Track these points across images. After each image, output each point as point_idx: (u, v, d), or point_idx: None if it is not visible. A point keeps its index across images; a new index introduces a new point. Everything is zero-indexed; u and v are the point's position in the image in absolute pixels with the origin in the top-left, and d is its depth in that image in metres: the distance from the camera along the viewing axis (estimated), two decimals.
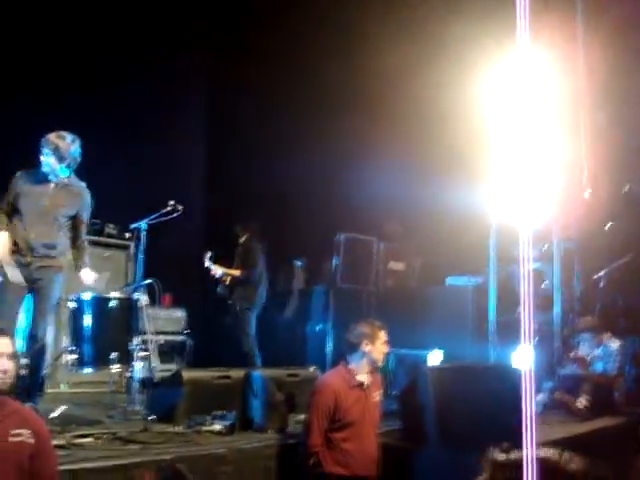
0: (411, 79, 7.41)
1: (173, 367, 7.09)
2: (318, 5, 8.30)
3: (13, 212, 4.98)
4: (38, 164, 5.03)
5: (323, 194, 8.59)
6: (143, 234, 5.69)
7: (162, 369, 6.50)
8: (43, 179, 5.00)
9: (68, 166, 4.99)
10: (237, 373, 5.39)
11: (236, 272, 7.53)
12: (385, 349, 4.53)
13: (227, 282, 7.53)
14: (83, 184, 5.18)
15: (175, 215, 5.69)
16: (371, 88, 8.17)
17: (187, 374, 5.31)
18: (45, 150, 4.93)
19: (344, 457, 4.32)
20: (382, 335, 4.51)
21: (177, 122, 9.41)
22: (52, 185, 5.01)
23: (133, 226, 5.82)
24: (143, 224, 5.71)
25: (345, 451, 4.32)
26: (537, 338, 6.59)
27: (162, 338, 7.17)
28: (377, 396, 4.58)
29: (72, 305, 5.09)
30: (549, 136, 6.49)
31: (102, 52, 8.39)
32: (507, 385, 4.25)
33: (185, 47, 9.48)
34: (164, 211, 5.67)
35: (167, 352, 7.30)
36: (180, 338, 7.72)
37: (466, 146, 6.85)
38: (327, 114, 8.42)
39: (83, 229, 5.24)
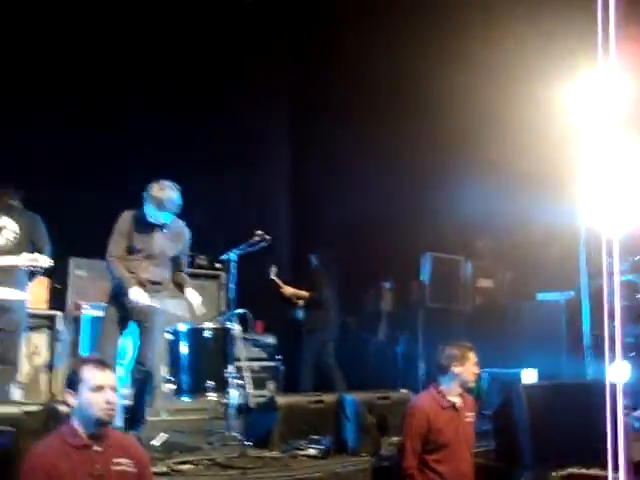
0: (495, 95, 7.38)
1: (267, 393, 7.23)
2: (404, 24, 8.36)
3: (127, 249, 5.27)
4: (139, 204, 5.30)
5: (409, 214, 8.60)
6: (233, 264, 5.87)
7: (256, 395, 6.62)
8: (148, 224, 5.25)
9: (170, 213, 5.23)
10: (330, 397, 5.47)
11: (304, 293, 7.67)
12: (475, 370, 4.53)
13: (297, 304, 7.69)
14: (183, 223, 5.44)
15: (264, 244, 5.84)
16: (454, 105, 8.17)
17: (281, 399, 5.42)
18: (148, 203, 5.17)
19: (439, 479, 4.33)
20: (472, 356, 4.51)
21: (262, 152, 9.64)
22: (157, 230, 5.26)
23: (223, 257, 6.00)
24: (233, 254, 5.88)
25: (439, 473, 4.33)
26: (633, 352, 6.43)
27: (255, 365, 7.32)
28: (470, 417, 4.58)
29: (169, 336, 5.29)
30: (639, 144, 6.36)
31: (185, 86, 8.71)
32: (603, 402, 4.18)
33: (268, 77, 9.73)
34: (253, 241, 5.82)
35: (260, 378, 7.43)
36: (272, 364, 7.85)
37: (554, 158, 6.77)
38: (411, 132, 8.43)
39: (185, 263, 5.57)
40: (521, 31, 7.40)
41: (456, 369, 4.46)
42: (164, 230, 5.31)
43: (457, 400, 4.50)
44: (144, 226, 5.27)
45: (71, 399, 3.16)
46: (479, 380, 5.64)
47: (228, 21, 9.30)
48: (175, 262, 5.45)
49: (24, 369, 6.49)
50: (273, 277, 7.56)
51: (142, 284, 5.16)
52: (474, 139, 8.05)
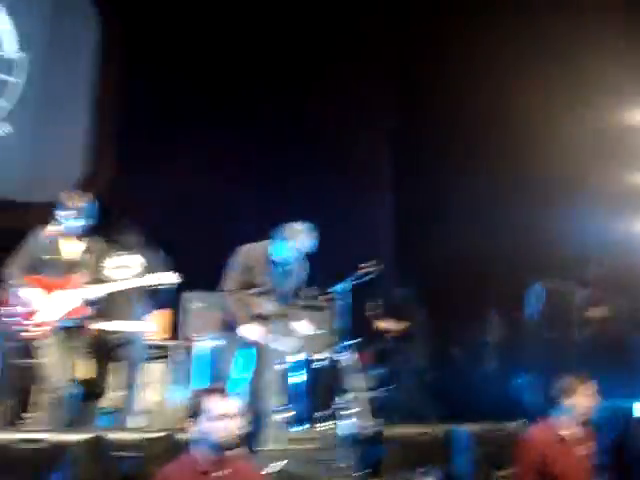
0: (603, 124, 7.29)
1: (377, 423, 7.24)
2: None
3: (244, 284, 5.44)
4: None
5: (517, 243, 8.52)
6: (343, 296, 5.96)
7: (367, 425, 6.64)
8: (270, 259, 5.45)
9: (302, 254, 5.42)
10: (440, 428, 5.46)
11: (399, 326, 7.69)
12: (591, 402, 4.44)
13: (391, 335, 7.74)
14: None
15: (372, 276, 5.92)
16: (561, 135, 8.09)
17: (391, 430, 5.45)
18: (284, 241, 5.41)
19: None
20: (587, 388, 4.43)
21: (366, 185, 9.76)
22: (278, 266, 5.44)
23: (333, 289, 6.10)
24: (342, 286, 5.97)
25: None
26: None
27: (365, 395, 7.35)
28: (586, 449, 4.49)
29: (282, 367, 5.42)
30: None
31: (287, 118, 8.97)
32: None
33: (372, 109, 9.87)
34: (364, 272, 5.91)
35: (370, 409, 7.45)
36: (381, 395, 7.87)
37: None
38: (518, 163, 8.38)
39: (301, 294, 5.81)
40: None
41: (569, 401, 4.40)
42: (283, 266, 5.47)
43: (571, 432, 4.43)
44: (265, 261, 5.43)
45: (194, 427, 3.32)
46: (595, 412, 5.49)
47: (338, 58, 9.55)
48: (292, 294, 5.62)
49: (142, 398, 6.77)
50: (369, 312, 7.69)
51: (258, 319, 5.33)
52: (583, 168, 7.93)
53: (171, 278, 5.51)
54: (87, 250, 5.51)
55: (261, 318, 5.41)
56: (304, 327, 5.56)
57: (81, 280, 5.39)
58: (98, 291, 5.38)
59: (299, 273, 5.65)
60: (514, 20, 8.21)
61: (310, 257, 5.81)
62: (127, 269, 5.82)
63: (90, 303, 5.40)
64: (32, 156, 8.59)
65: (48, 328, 5.25)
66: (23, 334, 5.22)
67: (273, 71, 9.10)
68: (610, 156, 7.60)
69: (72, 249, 5.50)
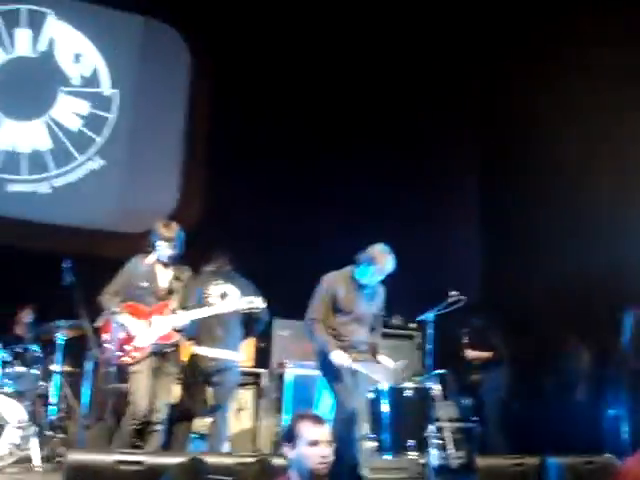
0: None
1: (465, 454, 7.18)
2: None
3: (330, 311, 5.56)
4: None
5: (607, 270, 8.33)
6: (430, 325, 5.99)
7: (456, 456, 6.61)
8: (354, 284, 5.51)
9: (383, 277, 5.49)
10: (531, 460, 5.37)
11: (486, 354, 7.68)
12: None
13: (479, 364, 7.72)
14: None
15: (459, 305, 5.93)
16: None
17: (481, 461, 5.39)
18: (368, 265, 5.48)
19: None
20: None
21: (451, 212, 9.77)
22: (360, 290, 5.51)
23: (420, 317, 6.14)
24: (430, 315, 6.00)
25: None
26: None
27: (454, 426, 7.30)
28: None
29: (371, 395, 5.46)
30: None
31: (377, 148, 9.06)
32: None
33: (459, 142, 9.90)
34: (449, 301, 5.93)
35: (459, 439, 7.39)
36: (469, 425, 7.80)
37: None
38: (603, 185, 8.24)
39: (380, 322, 5.79)
40: None
41: None
42: (366, 290, 5.53)
43: None
44: (349, 287, 5.51)
45: (289, 452, 3.39)
46: None
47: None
48: (373, 321, 5.67)
49: (232, 423, 6.90)
50: (461, 341, 7.67)
51: (347, 346, 5.39)
52: None
53: (260, 303, 5.65)
54: (177, 278, 5.71)
55: (355, 345, 5.48)
56: (385, 360, 5.59)
57: (172, 307, 5.58)
58: (188, 317, 5.56)
59: (377, 295, 5.69)
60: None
61: (396, 283, 5.83)
62: (226, 297, 5.99)
63: (180, 330, 5.58)
64: (126, 188, 8.93)
65: (145, 353, 5.45)
66: (122, 359, 5.42)
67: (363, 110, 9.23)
68: None
69: (165, 277, 5.70)
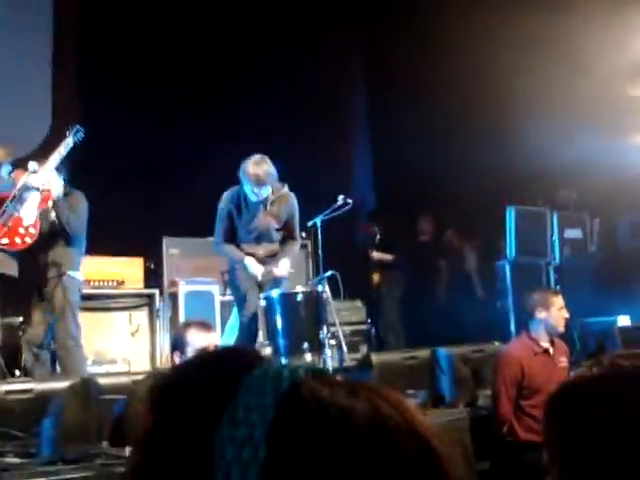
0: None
1: (360, 355, 7.38)
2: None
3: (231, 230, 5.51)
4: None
5: (488, 166, 8.49)
6: (319, 230, 6.02)
7: (351, 358, 6.79)
8: (251, 202, 5.40)
9: (269, 185, 5.35)
10: (423, 353, 5.57)
11: (387, 256, 8.03)
12: (563, 315, 4.55)
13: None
14: (285, 189, 5.59)
15: (345, 209, 5.97)
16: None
17: (376, 357, 5.54)
18: (246, 181, 5.27)
19: (536, 424, 4.38)
20: (557, 301, 4.54)
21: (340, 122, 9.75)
22: (261, 207, 5.43)
23: (309, 224, 6.14)
24: (317, 221, 6.02)
25: (535, 417, 4.39)
26: None
27: (347, 329, 7.46)
28: (564, 362, 4.61)
29: (263, 303, 5.47)
30: None
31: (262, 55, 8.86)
32: None
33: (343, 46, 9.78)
34: (335, 206, 5.96)
35: (353, 342, 7.57)
36: (363, 327, 7.99)
37: None
38: (491, 75, 8.30)
39: (293, 228, 5.68)
40: None
41: (541, 314, 4.50)
42: (268, 205, 5.46)
43: (548, 345, 4.54)
44: (247, 206, 5.41)
45: (178, 361, 3.37)
46: (571, 328, 5.62)
47: None
48: (284, 229, 5.61)
49: (127, 347, 6.84)
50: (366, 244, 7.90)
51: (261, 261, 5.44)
52: (557, 80, 7.89)
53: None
54: None
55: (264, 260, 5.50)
56: (282, 266, 5.56)
57: None
58: None
59: (284, 205, 5.55)
60: None
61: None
62: None
63: None
64: None
65: None
66: None
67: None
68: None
69: None
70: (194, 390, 0.79)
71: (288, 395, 0.76)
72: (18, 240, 5.19)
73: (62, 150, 5.26)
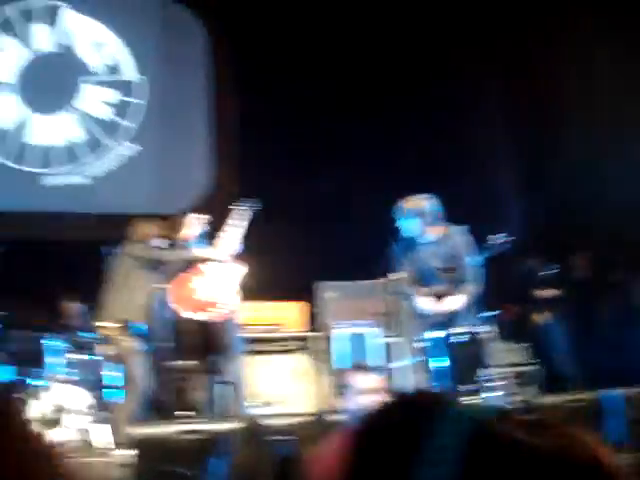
0: None
1: (525, 394, 7.11)
2: None
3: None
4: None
5: None
6: (481, 270, 5.88)
7: (516, 400, 6.57)
8: (412, 242, 5.45)
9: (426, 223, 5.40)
10: (591, 395, 5.33)
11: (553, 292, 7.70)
12: None
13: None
14: (454, 228, 5.63)
15: (506, 248, 5.86)
16: None
17: (539, 400, 5.36)
18: (402, 218, 5.36)
19: None
20: None
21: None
22: (422, 246, 5.47)
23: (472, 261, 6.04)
24: (480, 260, 5.89)
25: None
26: None
27: (511, 370, 7.21)
28: None
29: (422, 345, 5.40)
30: None
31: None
32: None
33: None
34: (496, 243, 5.85)
35: (517, 383, 7.32)
36: (527, 368, 7.70)
37: None
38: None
39: (462, 270, 5.64)
40: None
41: None
42: (431, 244, 5.44)
43: None
44: (409, 246, 5.42)
45: (342, 403, 3.41)
46: None
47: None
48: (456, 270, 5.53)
49: (286, 388, 6.98)
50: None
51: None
52: None
53: None
54: None
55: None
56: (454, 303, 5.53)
57: None
58: None
59: (449, 243, 5.52)
60: None
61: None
62: None
63: None
64: (161, 171, 9.00)
65: None
66: None
67: None
68: None
69: None
70: (392, 434, 0.82)
71: (479, 434, 0.78)
72: None
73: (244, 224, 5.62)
